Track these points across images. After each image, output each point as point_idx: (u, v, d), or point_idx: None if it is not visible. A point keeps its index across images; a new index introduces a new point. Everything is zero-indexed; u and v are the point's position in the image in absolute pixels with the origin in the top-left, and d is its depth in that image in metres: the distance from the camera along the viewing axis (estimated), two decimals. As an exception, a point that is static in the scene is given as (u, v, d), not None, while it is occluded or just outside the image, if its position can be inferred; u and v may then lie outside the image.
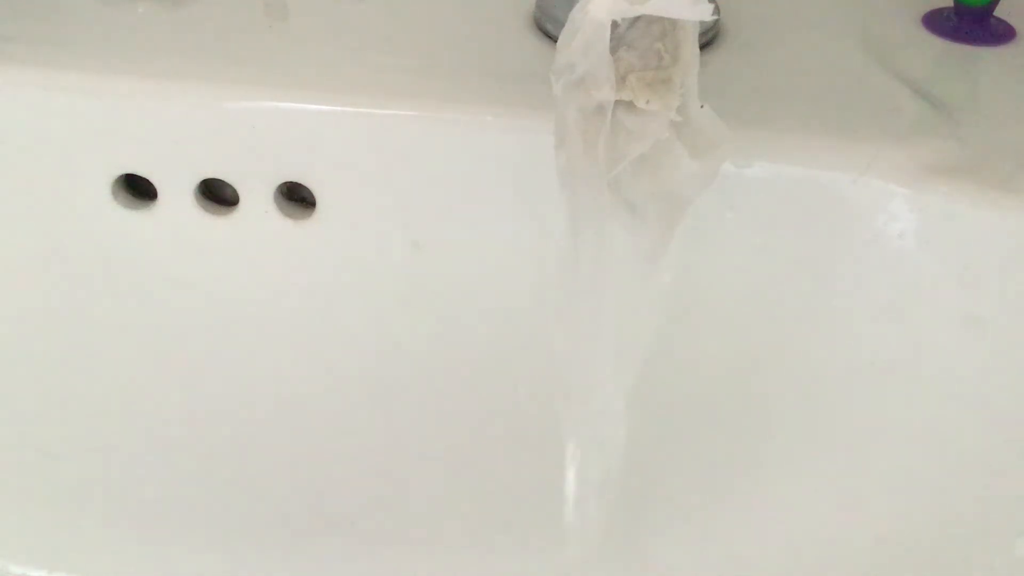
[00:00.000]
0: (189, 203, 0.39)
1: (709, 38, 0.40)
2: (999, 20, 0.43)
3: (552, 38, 0.40)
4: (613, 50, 0.28)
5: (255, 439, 0.43)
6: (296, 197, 0.40)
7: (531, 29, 0.41)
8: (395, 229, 0.38)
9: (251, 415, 0.43)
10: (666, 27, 0.29)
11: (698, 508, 0.41)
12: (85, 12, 0.41)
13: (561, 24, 0.29)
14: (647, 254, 0.31)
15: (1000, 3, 0.42)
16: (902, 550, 0.38)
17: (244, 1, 0.42)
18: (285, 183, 0.38)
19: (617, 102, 0.29)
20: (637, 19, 0.28)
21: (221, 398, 0.43)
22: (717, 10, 0.37)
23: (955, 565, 0.37)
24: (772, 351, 0.38)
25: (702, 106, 0.30)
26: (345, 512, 0.44)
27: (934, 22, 0.43)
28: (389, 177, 0.37)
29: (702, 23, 0.27)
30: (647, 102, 0.28)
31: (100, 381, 0.43)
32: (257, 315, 0.41)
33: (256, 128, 0.37)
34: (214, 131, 0.37)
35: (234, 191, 0.38)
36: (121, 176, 0.39)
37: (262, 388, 0.42)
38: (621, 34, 0.28)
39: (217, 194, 0.40)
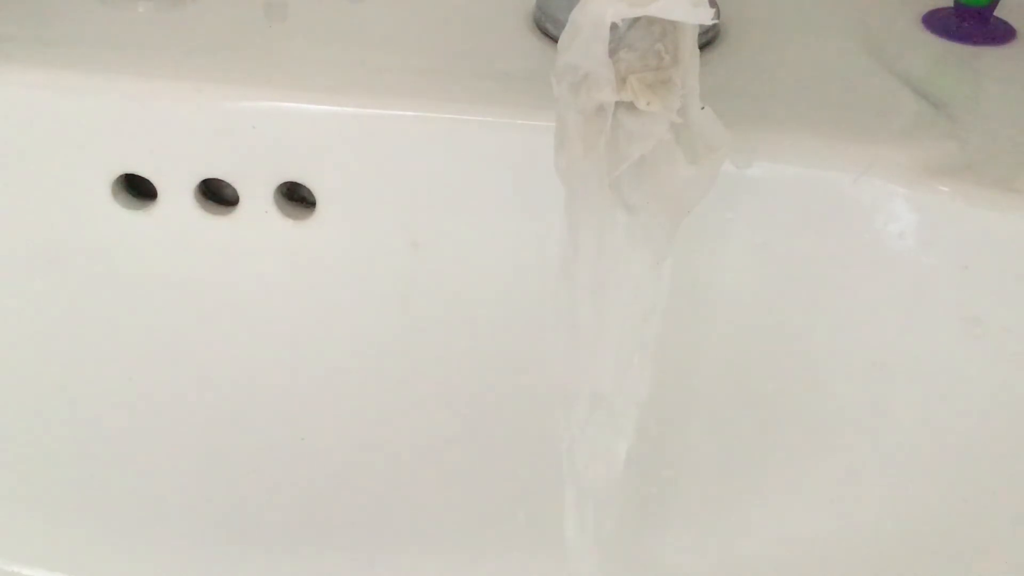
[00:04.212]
0: (189, 203, 0.39)
1: (709, 38, 0.40)
2: (999, 20, 0.43)
3: (552, 38, 0.40)
4: (613, 51, 0.28)
5: (255, 439, 0.43)
6: (296, 197, 0.40)
7: (531, 29, 0.41)
8: (395, 229, 0.38)
9: (251, 415, 0.43)
10: (666, 28, 0.29)
11: (700, 508, 0.41)
12: (85, 12, 0.41)
13: (561, 24, 0.29)
14: (648, 256, 0.31)
15: (1000, 3, 0.42)
16: (903, 549, 0.38)
17: (244, 1, 0.42)
18: (285, 183, 0.38)
19: (618, 103, 0.29)
20: (637, 20, 0.28)
21: (221, 398, 0.43)
22: (717, 13, 0.37)
23: (956, 564, 0.37)
24: (772, 351, 0.38)
25: (703, 108, 0.30)
26: (344, 512, 0.44)
27: (934, 22, 0.43)
28: (389, 177, 0.37)
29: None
30: (648, 103, 0.28)
31: (100, 381, 0.43)
32: (257, 315, 0.41)
33: (256, 128, 0.37)
34: (214, 131, 0.37)
35: (234, 191, 0.38)
36: (121, 176, 0.39)
37: (262, 388, 0.42)
38: (621, 35, 0.28)
39: (217, 194, 0.40)
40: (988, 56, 0.41)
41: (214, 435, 0.43)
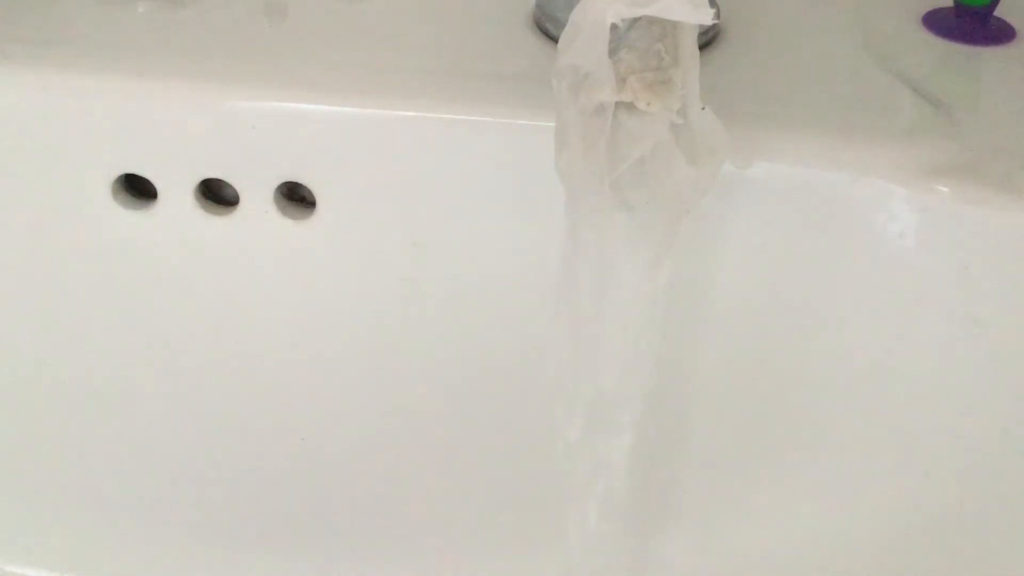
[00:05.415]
0: (189, 203, 0.39)
1: (709, 38, 0.40)
2: (999, 20, 0.43)
3: (552, 38, 0.40)
4: (613, 51, 0.28)
5: (255, 439, 0.43)
6: (296, 197, 0.40)
7: (531, 29, 0.41)
8: (395, 229, 0.38)
9: (251, 415, 0.43)
10: (666, 28, 0.29)
11: (699, 508, 0.41)
12: (85, 12, 0.41)
13: (561, 24, 0.29)
14: (648, 256, 0.31)
15: (1000, 3, 0.42)
16: (903, 549, 0.38)
17: (244, 1, 0.42)
18: (285, 183, 0.38)
19: (618, 104, 0.29)
20: (637, 20, 0.28)
21: (221, 398, 0.43)
22: (717, 13, 0.37)
23: (955, 563, 0.37)
24: (772, 351, 0.38)
25: (703, 108, 0.30)
26: (344, 512, 0.44)
27: (934, 22, 0.43)
28: (389, 177, 0.37)
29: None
30: (648, 104, 0.28)
31: (100, 381, 0.43)
32: (257, 315, 0.41)
33: (256, 128, 0.37)
34: (214, 131, 0.37)
35: (234, 191, 0.38)
36: (121, 176, 0.39)
37: (262, 388, 0.42)
38: (621, 35, 0.28)
39: (217, 194, 0.40)
40: (988, 56, 0.41)
41: (214, 435, 0.43)
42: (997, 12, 0.42)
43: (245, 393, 0.42)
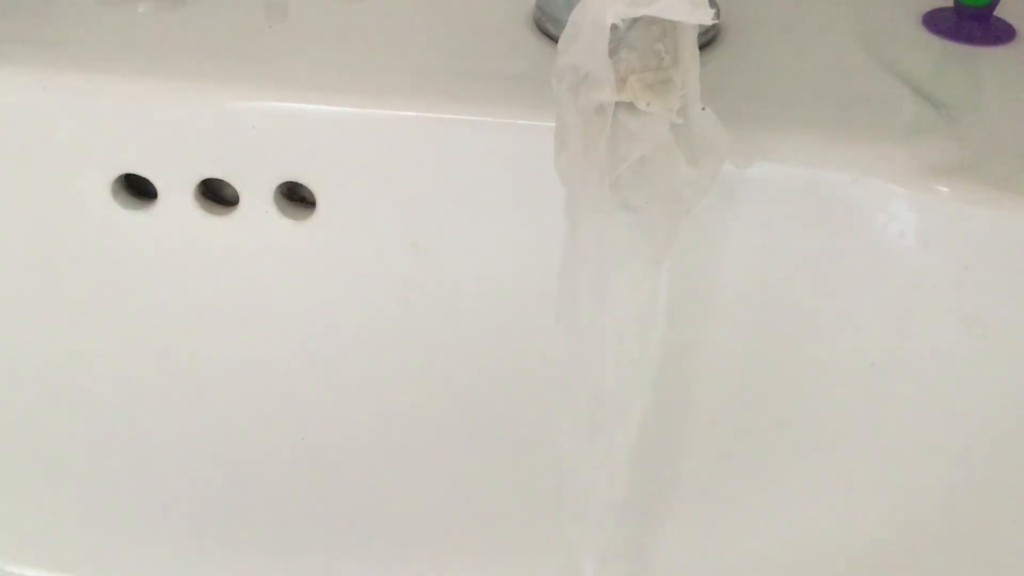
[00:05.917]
0: (189, 203, 0.39)
1: (709, 38, 0.40)
2: (999, 20, 0.43)
3: (552, 38, 0.40)
4: (613, 51, 0.28)
5: (254, 439, 0.43)
6: (296, 197, 0.40)
7: (531, 29, 0.41)
8: (395, 229, 0.38)
9: (251, 415, 0.43)
10: (666, 28, 0.29)
11: (699, 508, 0.41)
12: (85, 12, 0.41)
13: (561, 24, 0.29)
14: (648, 256, 0.31)
15: (1000, 3, 0.42)
16: (902, 550, 0.38)
17: (244, 1, 0.42)
18: (285, 183, 0.38)
19: (618, 104, 0.29)
20: (637, 20, 0.28)
21: (221, 398, 0.43)
22: (717, 13, 0.37)
23: (956, 564, 0.37)
24: (772, 351, 0.38)
25: (703, 108, 0.30)
26: (344, 512, 0.44)
27: (934, 22, 0.43)
28: (389, 177, 0.37)
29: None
30: (648, 104, 0.28)
31: (100, 381, 0.43)
32: (257, 315, 0.41)
33: (256, 128, 0.37)
34: (214, 131, 0.37)
35: (234, 191, 0.38)
36: (121, 176, 0.39)
37: (262, 388, 0.42)
38: (621, 35, 0.28)
39: (217, 194, 0.40)
40: (988, 56, 0.41)
41: (214, 435, 0.43)
42: (997, 12, 0.42)
43: (245, 393, 0.42)
